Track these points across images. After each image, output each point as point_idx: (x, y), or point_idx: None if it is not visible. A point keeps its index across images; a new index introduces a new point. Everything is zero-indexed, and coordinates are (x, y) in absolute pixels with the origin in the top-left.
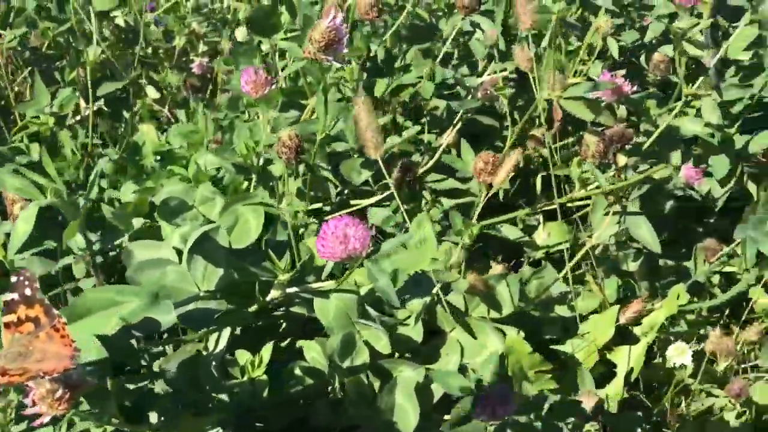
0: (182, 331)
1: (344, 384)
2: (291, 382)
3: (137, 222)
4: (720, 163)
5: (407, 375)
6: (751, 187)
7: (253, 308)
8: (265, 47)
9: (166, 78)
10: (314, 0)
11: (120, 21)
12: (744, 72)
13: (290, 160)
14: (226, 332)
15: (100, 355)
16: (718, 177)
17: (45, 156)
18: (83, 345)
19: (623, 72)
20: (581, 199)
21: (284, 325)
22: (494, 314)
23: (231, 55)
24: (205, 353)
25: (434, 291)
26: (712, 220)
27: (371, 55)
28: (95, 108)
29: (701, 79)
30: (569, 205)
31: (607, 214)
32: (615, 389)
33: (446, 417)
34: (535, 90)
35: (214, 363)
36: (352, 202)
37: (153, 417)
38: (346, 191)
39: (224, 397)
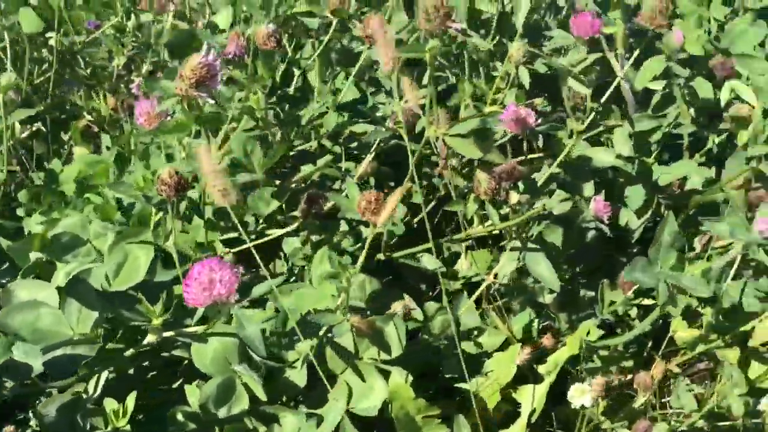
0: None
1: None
2: (172, 428)
3: (34, 256)
4: (636, 194)
5: (290, 421)
6: (671, 217)
7: (129, 353)
8: None
9: (93, 102)
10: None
11: (53, 42)
12: (657, 102)
13: (170, 198)
14: (104, 375)
15: None
16: (634, 208)
17: None
18: None
19: (540, 100)
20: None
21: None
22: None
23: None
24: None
25: (322, 333)
26: (635, 250)
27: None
28: (34, 129)
29: (614, 109)
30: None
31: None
32: (518, 429)
33: None
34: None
35: (88, 407)
36: (267, 231)
37: None
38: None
39: None
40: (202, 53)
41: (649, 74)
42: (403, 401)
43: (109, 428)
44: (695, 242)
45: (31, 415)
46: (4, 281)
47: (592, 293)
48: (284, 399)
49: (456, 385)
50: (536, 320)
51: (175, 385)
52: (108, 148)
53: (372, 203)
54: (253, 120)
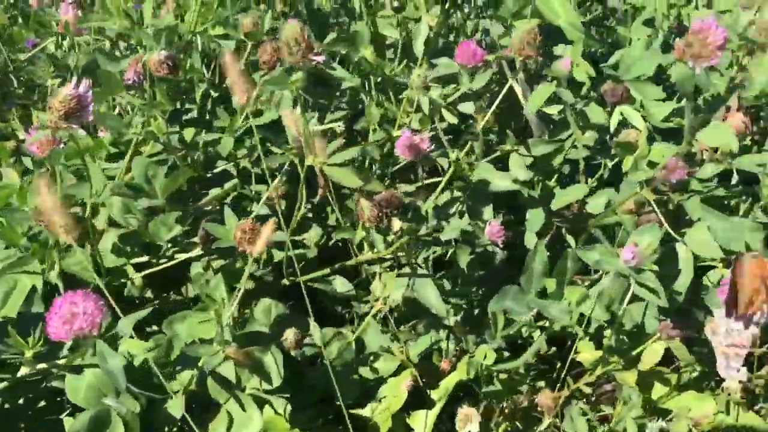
0: None
1: None
2: None
3: None
4: (536, 217)
5: None
6: (570, 240)
7: (2, 385)
8: None
9: (11, 124)
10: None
11: None
12: (554, 127)
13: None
14: None
15: None
16: (533, 230)
17: None
18: None
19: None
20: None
21: None
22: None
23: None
24: None
25: (200, 363)
26: None
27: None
28: None
29: (509, 134)
30: None
31: (399, 275)
32: None
33: None
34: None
35: None
36: (176, 255)
37: None
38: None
39: None
40: (72, 84)
41: (539, 99)
42: (278, 431)
43: None
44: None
45: None
46: None
47: None
48: (166, 430)
49: (351, 411)
50: (446, 342)
51: (63, 416)
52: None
53: (247, 233)
54: (161, 144)
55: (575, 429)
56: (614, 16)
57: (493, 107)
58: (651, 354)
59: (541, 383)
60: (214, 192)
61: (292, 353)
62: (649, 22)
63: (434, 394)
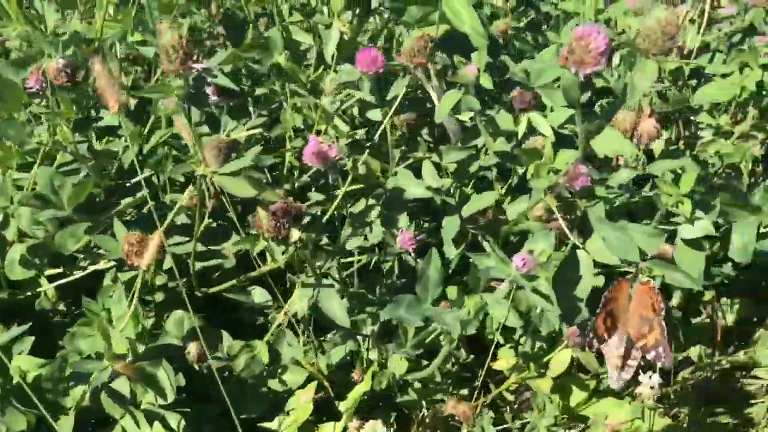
0: None
1: None
2: None
3: None
4: (451, 224)
5: None
6: (487, 246)
7: None
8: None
9: None
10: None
11: None
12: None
13: None
14: None
15: None
16: (449, 238)
17: None
18: None
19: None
20: None
21: None
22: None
23: None
24: None
25: (93, 377)
26: (456, 279)
27: None
28: None
29: (420, 141)
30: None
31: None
32: None
33: None
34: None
35: None
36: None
37: None
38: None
39: None
40: None
41: (447, 105)
42: None
43: None
44: None
45: None
46: None
47: None
48: None
49: (258, 424)
50: (366, 352)
51: None
52: None
53: (135, 245)
54: (70, 154)
55: None
56: (548, 23)
57: (407, 115)
58: (559, 362)
59: (465, 391)
60: (126, 201)
61: (196, 367)
62: None
63: (342, 406)
